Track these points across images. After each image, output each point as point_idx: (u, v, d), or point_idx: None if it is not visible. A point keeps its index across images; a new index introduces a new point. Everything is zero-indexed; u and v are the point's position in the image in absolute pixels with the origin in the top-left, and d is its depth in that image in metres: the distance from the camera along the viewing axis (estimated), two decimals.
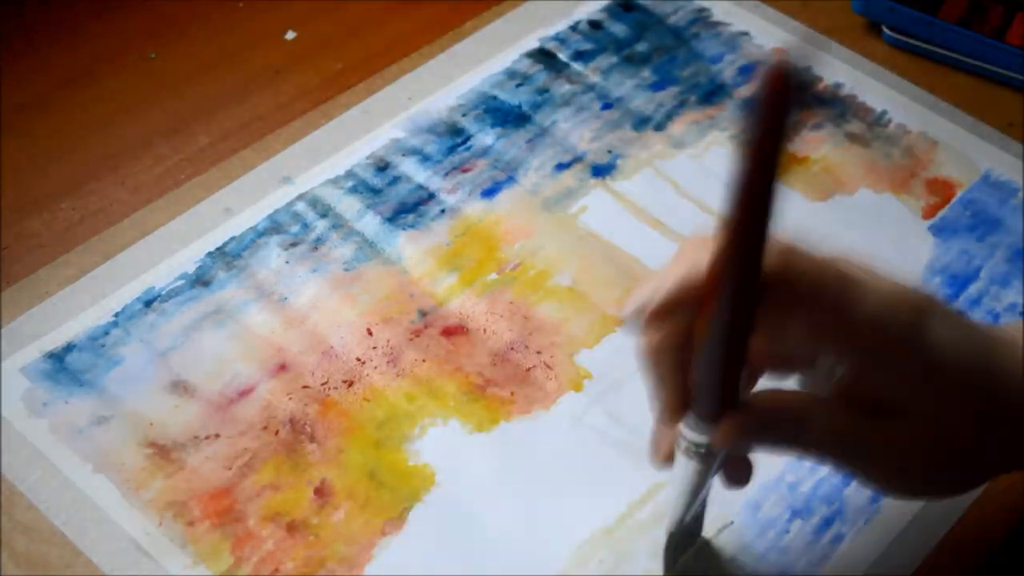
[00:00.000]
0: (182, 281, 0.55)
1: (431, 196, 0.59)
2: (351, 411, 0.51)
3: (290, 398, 0.51)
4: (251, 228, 0.57)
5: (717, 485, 0.42)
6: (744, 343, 0.36)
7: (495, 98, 0.63)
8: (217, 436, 0.50)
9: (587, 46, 0.67)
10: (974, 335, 0.39)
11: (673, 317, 0.38)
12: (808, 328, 0.37)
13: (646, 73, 0.66)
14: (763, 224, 0.34)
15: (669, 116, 0.63)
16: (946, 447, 0.38)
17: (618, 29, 0.68)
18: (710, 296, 0.35)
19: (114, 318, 0.53)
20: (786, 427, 0.38)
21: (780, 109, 0.32)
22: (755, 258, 0.35)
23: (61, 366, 0.51)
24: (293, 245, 0.56)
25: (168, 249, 0.56)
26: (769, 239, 0.34)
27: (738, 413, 0.38)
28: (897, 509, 0.49)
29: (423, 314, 0.54)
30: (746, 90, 0.65)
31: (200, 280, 0.55)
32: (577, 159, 0.61)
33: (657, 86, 0.65)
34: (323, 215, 0.57)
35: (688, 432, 0.39)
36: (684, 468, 0.41)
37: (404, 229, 0.57)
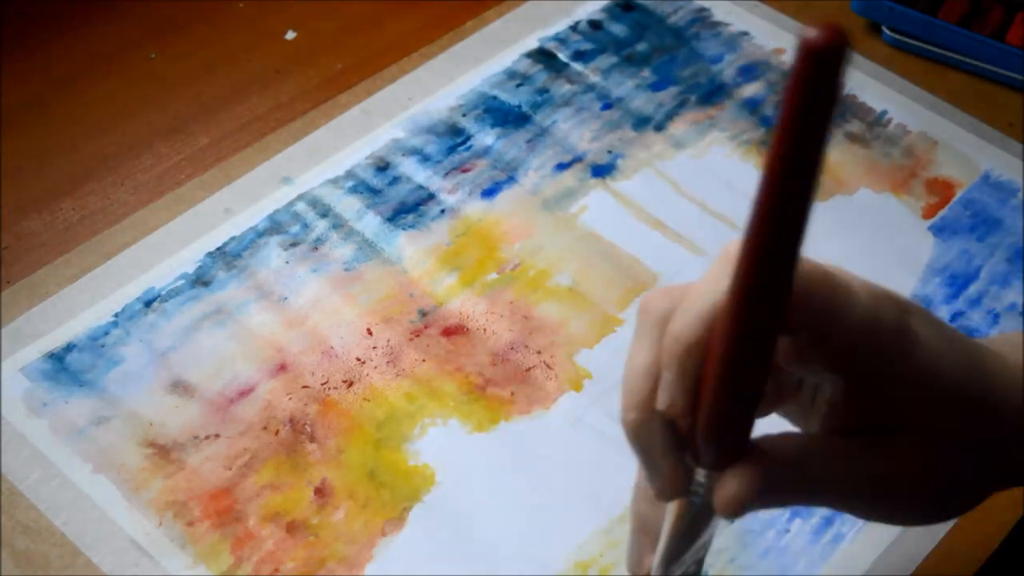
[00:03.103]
0: (182, 281, 0.55)
1: (431, 196, 0.59)
2: (351, 411, 0.51)
3: (290, 398, 0.51)
4: (251, 228, 0.57)
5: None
6: (766, 374, 0.32)
7: (495, 98, 0.63)
8: (217, 436, 0.50)
9: (587, 46, 0.67)
10: (959, 341, 0.36)
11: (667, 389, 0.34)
12: (797, 344, 0.34)
13: (646, 73, 0.66)
14: (797, 237, 0.29)
15: (669, 116, 0.63)
16: (946, 462, 0.36)
17: (618, 29, 0.68)
18: (727, 332, 0.31)
19: (114, 318, 0.53)
20: (789, 475, 0.35)
21: (826, 88, 0.26)
22: (785, 281, 0.30)
23: (61, 366, 0.51)
24: (293, 245, 0.56)
25: (168, 249, 0.56)
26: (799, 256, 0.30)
27: (749, 466, 0.34)
28: None
29: (423, 314, 0.54)
30: (747, 90, 0.65)
31: (200, 280, 0.55)
32: (577, 159, 0.61)
33: (657, 86, 0.65)
34: (323, 215, 0.57)
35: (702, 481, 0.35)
36: (684, 508, 0.36)
37: (404, 229, 0.57)
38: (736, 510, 0.34)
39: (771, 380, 0.34)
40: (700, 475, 0.35)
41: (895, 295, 0.35)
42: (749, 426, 0.33)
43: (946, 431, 0.35)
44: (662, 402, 0.34)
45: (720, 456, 0.34)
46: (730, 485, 0.34)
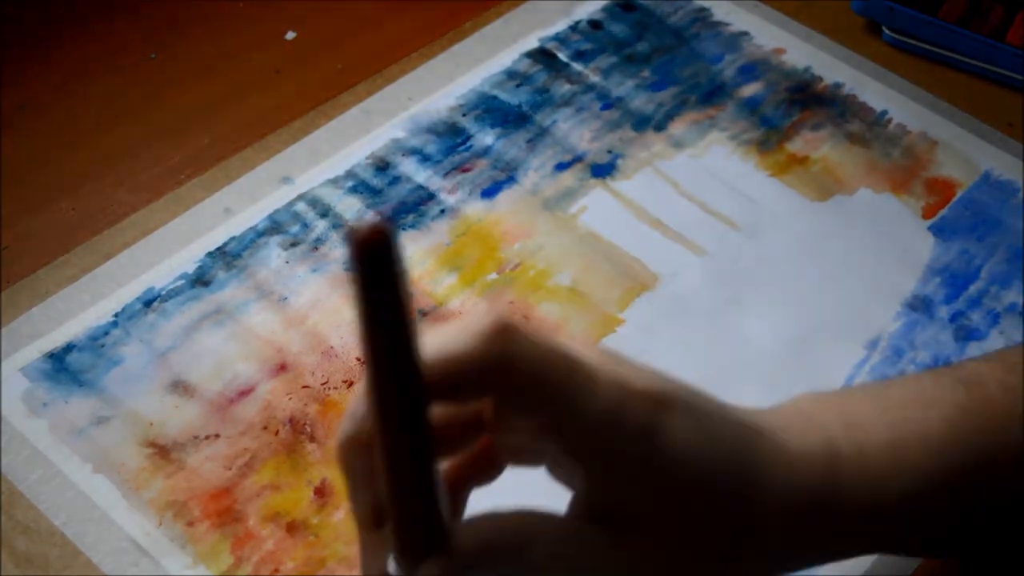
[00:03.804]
0: (182, 281, 0.55)
1: (431, 196, 0.59)
2: None
3: (290, 398, 0.51)
4: (251, 228, 0.57)
5: None
6: (427, 480, 0.31)
7: (495, 98, 0.63)
8: (217, 436, 0.50)
9: (587, 46, 0.67)
10: (726, 430, 0.34)
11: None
12: (534, 424, 0.32)
13: (646, 73, 0.66)
14: (407, 361, 0.29)
15: (669, 116, 0.63)
16: (686, 561, 0.34)
17: (618, 29, 0.68)
18: (376, 437, 0.31)
19: (114, 318, 0.53)
20: (504, 558, 0.33)
21: (382, 263, 0.28)
22: (411, 396, 0.30)
23: (61, 366, 0.51)
24: (293, 245, 0.56)
25: (168, 249, 0.56)
26: (416, 364, 0.30)
27: (440, 557, 0.32)
28: None
29: (423, 314, 0.54)
30: (747, 90, 0.65)
31: (200, 280, 0.55)
32: (577, 159, 0.61)
33: (657, 86, 0.65)
34: (323, 215, 0.57)
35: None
36: None
37: (404, 229, 0.57)
38: None
39: (519, 442, 0.34)
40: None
41: (657, 386, 0.33)
42: (430, 507, 0.32)
43: (690, 528, 0.33)
44: (351, 506, 0.34)
45: (411, 545, 0.32)
46: (432, 568, 0.32)
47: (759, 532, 0.34)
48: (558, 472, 0.35)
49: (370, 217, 0.28)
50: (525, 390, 0.31)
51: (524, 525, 0.34)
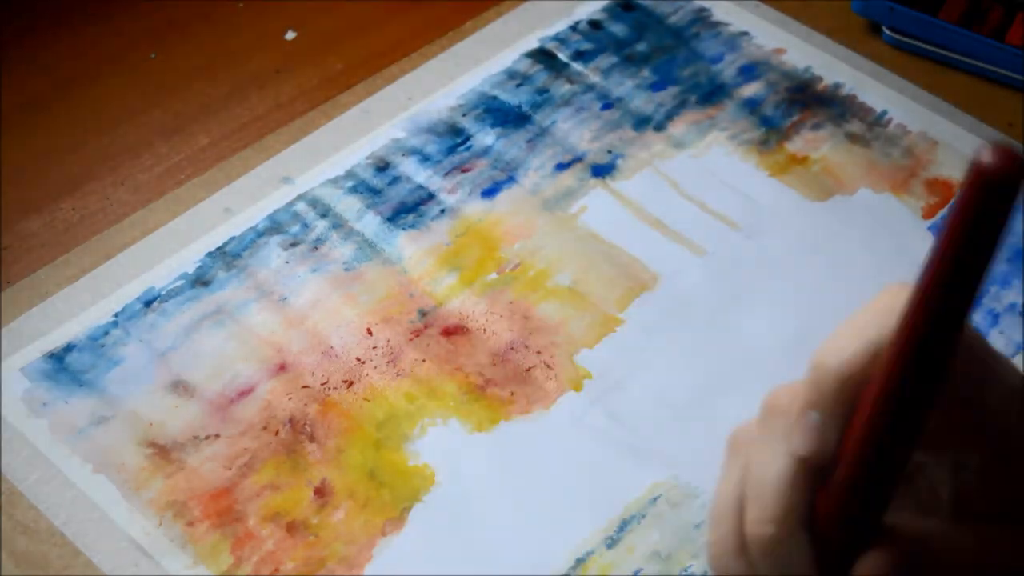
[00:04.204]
0: (182, 281, 0.55)
1: (431, 196, 0.59)
2: (351, 411, 0.51)
3: (290, 398, 0.51)
4: (251, 228, 0.57)
5: None
6: (907, 462, 0.30)
7: (495, 98, 0.63)
8: (217, 436, 0.50)
9: (587, 46, 0.67)
10: None
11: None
12: (936, 422, 0.31)
13: (646, 73, 0.66)
14: (964, 313, 0.28)
15: (669, 116, 0.63)
16: None
17: (618, 29, 0.68)
18: (876, 400, 0.29)
19: (114, 318, 0.53)
20: (916, 558, 0.32)
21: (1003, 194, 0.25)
22: (947, 352, 0.28)
23: (61, 366, 0.51)
24: (293, 245, 0.56)
25: (168, 249, 0.56)
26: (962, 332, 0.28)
27: (887, 549, 0.31)
28: None
29: (423, 314, 0.54)
30: (747, 90, 0.65)
31: (200, 280, 0.55)
32: (577, 159, 0.61)
33: (657, 86, 0.65)
34: (323, 215, 0.57)
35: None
36: None
37: (404, 229, 0.57)
38: None
39: None
40: None
41: None
42: (891, 493, 0.31)
43: None
44: (808, 447, 0.31)
45: (856, 525, 0.31)
46: (865, 568, 0.31)
47: None
48: (917, 491, 0.34)
49: (1000, 146, 0.25)
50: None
51: (932, 530, 0.32)
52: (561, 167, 0.61)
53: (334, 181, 0.59)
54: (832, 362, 0.31)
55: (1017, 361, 0.54)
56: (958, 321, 0.28)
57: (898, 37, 0.68)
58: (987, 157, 0.25)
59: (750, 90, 0.65)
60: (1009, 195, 0.25)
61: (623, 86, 0.65)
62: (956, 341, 0.28)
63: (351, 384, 0.52)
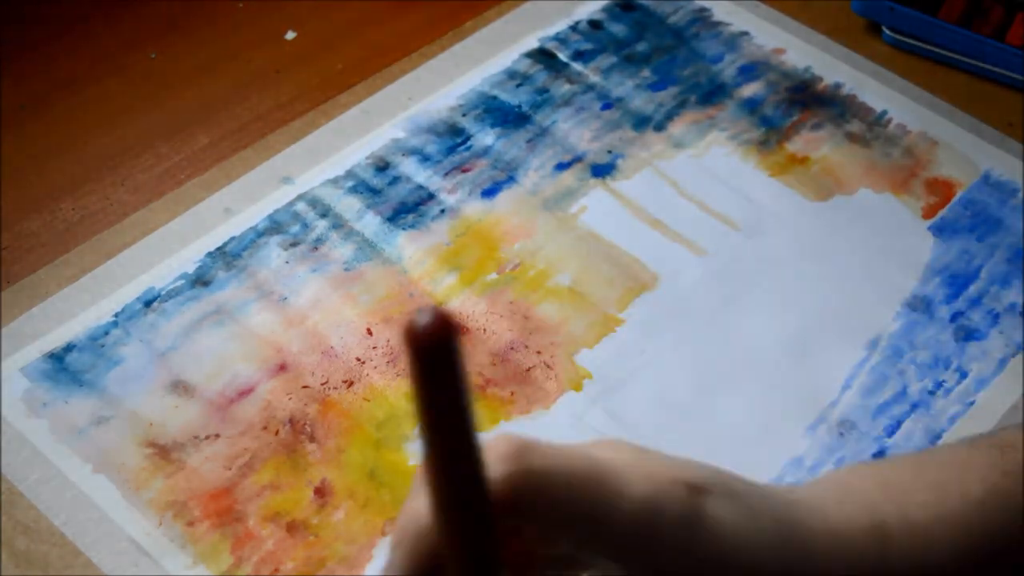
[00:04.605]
0: (182, 281, 0.55)
1: (431, 196, 0.59)
2: (351, 411, 0.51)
3: (290, 398, 0.51)
4: (251, 228, 0.57)
5: None
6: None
7: (495, 98, 0.63)
8: (217, 436, 0.50)
9: (587, 46, 0.67)
10: (766, 508, 0.33)
11: None
12: (570, 534, 0.31)
13: (646, 73, 0.66)
14: (473, 475, 0.28)
15: (669, 116, 0.63)
16: None
17: (618, 29, 0.68)
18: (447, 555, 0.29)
19: (114, 318, 0.53)
20: None
21: (443, 359, 0.26)
22: (478, 505, 0.29)
23: (61, 366, 0.51)
24: (293, 245, 0.56)
25: (168, 249, 0.56)
26: (482, 482, 0.29)
27: None
28: None
29: None
30: (747, 90, 0.65)
31: (200, 280, 0.55)
32: (577, 159, 0.61)
33: (657, 86, 0.65)
34: (323, 215, 0.57)
35: None
36: None
37: (404, 229, 0.57)
38: None
39: (554, 552, 0.32)
40: None
41: (691, 474, 0.32)
42: None
43: None
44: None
45: None
46: None
47: None
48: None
49: (427, 311, 0.26)
50: (560, 505, 0.30)
51: None
52: (561, 167, 0.61)
53: (334, 181, 0.59)
54: (408, 525, 0.31)
55: (1017, 361, 0.54)
56: (466, 455, 0.28)
57: (898, 37, 0.68)
58: (420, 320, 0.26)
59: (750, 90, 0.65)
60: (446, 351, 0.26)
61: (623, 86, 0.65)
62: (477, 478, 0.29)
63: (351, 384, 0.52)
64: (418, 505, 0.31)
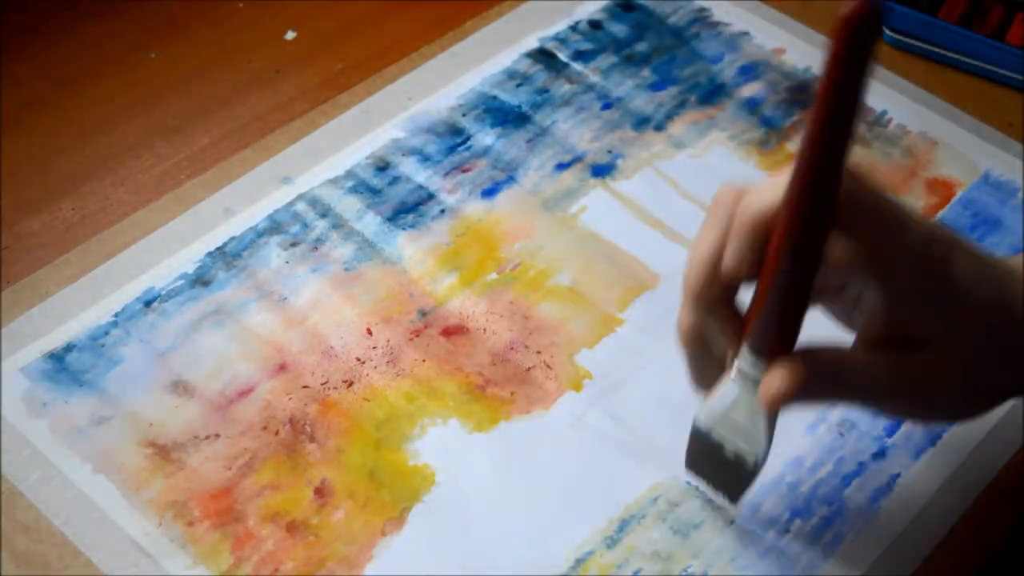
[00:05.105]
0: (182, 281, 0.55)
1: (431, 196, 0.59)
2: (351, 411, 0.51)
3: (290, 398, 0.51)
4: (251, 228, 0.57)
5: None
6: (811, 280, 0.38)
7: (495, 98, 0.63)
8: (217, 436, 0.50)
9: (587, 46, 0.67)
10: (993, 270, 0.41)
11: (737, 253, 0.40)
12: (852, 253, 0.38)
13: (646, 73, 0.66)
14: (841, 154, 0.35)
15: (669, 116, 0.64)
16: (964, 373, 0.41)
17: (618, 29, 0.68)
18: (782, 231, 0.37)
19: (114, 318, 0.53)
20: (827, 376, 0.40)
21: (864, 30, 0.32)
22: (830, 191, 0.36)
23: (61, 366, 0.51)
24: (293, 245, 0.56)
25: (168, 249, 0.56)
26: (844, 171, 0.36)
27: (794, 358, 0.39)
28: (897, 509, 0.49)
29: (423, 314, 0.54)
30: (747, 90, 0.65)
31: (200, 280, 0.55)
32: (577, 159, 0.61)
33: (657, 86, 0.65)
34: (323, 215, 0.57)
35: (747, 367, 0.41)
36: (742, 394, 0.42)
37: (404, 229, 0.57)
38: (779, 403, 0.39)
39: (820, 276, 0.39)
40: (745, 364, 0.41)
41: (943, 232, 0.40)
42: (802, 307, 0.39)
43: (970, 347, 0.40)
44: (728, 265, 0.40)
45: (774, 333, 0.39)
46: (776, 379, 0.39)
47: (1016, 347, 0.41)
48: (844, 310, 0.43)
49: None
50: (858, 223, 0.38)
51: (838, 351, 0.40)
52: (561, 167, 0.61)
53: (334, 181, 0.59)
54: (748, 201, 0.39)
55: None
56: (841, 151, 0.35)
57: (898, 37, 0.68)
58: (847, 8, 0.32)
59: (750, 90, 0.65)
60: (870, 31, 0.33)
61: (623, 86, 0.65)
62: (840, 173, 0.36)
63: (351, 384, 0.52)
64: (753, 199, 0.39)
